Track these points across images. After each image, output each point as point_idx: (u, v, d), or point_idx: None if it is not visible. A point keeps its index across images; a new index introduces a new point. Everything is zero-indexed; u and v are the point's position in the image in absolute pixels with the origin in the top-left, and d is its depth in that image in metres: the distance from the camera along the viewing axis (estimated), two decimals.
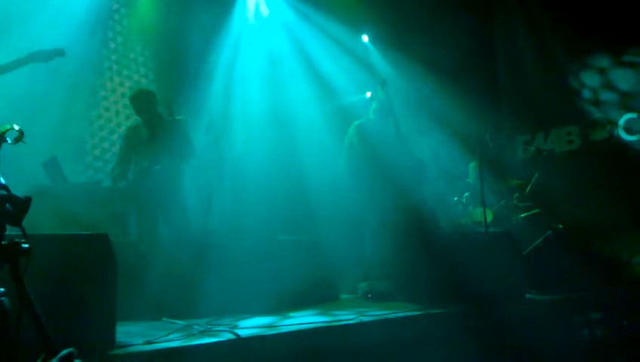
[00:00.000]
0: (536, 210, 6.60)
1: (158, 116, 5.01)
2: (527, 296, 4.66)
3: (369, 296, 4.64)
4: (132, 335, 3.03)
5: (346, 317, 3.69)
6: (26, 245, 1.68)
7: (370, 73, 7.92)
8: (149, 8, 6.95)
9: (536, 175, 6.73)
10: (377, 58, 8.26)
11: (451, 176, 7.25)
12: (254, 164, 6.51)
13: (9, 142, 1.86)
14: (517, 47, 8.45)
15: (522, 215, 6.59)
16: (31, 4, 5.45)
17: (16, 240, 1.74)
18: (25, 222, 1.77)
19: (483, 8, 8.67)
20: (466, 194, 6.90)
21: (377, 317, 3.68)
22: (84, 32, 5.92)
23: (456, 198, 6.89)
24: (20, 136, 1.90)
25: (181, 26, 7.17)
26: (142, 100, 4.95)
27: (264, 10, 7.65)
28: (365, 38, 8.33)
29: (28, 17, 5.38)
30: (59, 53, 3.32)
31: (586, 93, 7.71)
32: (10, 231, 1.77)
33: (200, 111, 6.18)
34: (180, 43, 7.27)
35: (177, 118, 4.93)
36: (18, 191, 1.81)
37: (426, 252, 4.29)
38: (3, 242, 1.67)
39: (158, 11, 6.99)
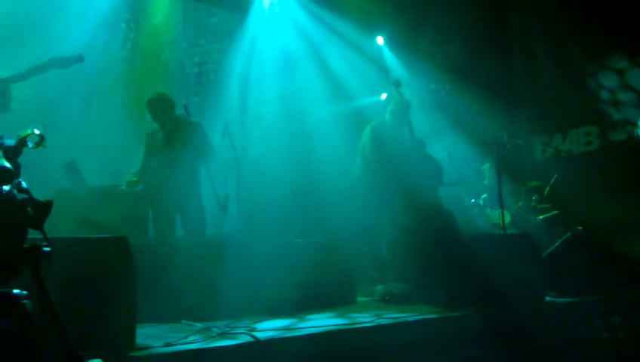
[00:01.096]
0: (555, 212, 6.53)
1: (174, 120, 5.04)
2: (546, 298, 4.61)
3: (386, 298, 4.62)
4: (151, 337, 3.05)
5: (364, 319, 3.68)
6: (48, 248, 1.69)
7: (384, 75, 7.91)
8: (166, 11, 7.00)
9: (555, 176, 6.66)
10: (392, 60, 8.24)
11: (468, 177, 7.20)
12: (270, 166, 6.53)
13: (30, 146, 1.88)
14: (533, 47, 8.38)
15: (541, 217, 6.53)
16: (49, 12, 5.51)
17: (38, 243, 1.76)
18: (45, 225, 1.78)
19: (498, 9, 8.60)
20: (484, 196, 6.85)
21: (395, 320, 3.67)
22: (102, 35, 5.99)
23: (473, 200, 6.85)
24: (40, 141, 1.92)
25: (197, 29, 7.22)
26: (157, 105, 4.99)
27: (278, 13, 7.67)
28: (380, 40, 8.31)
29: (45, 24, 5.45)
30: (78, 59, 3.34)
31: (604, 94, 7.62)
32: (32, 234, 1.80)
33: (216, 114, 6.21)
34: (195, 46, 7.32)
35: (193, 119, 4.97)
36: (39, 194, 1.82)
37: (444, 254, 4.26)
38: (25, 245, 1.69)
39: (174, 14, 7.04)
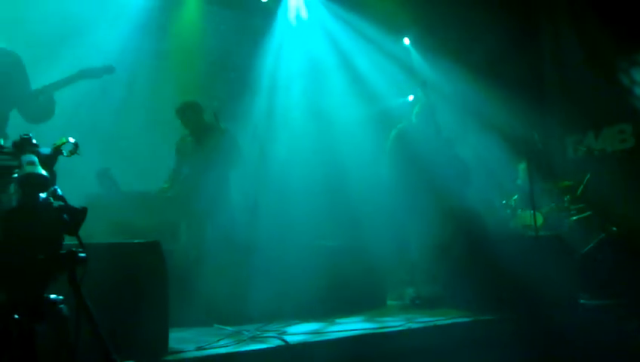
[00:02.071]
0: (589, 213, 6.39)
1: (204, 126, 5.12)
2: (581, 301, 4.53)
3: (416, 302, 4.59)
4: (184, 341, 3.10)
5: (394, 323, 3.67)
6: (83, 254, 1.73)
7: (411, 76, 7.87)
8: (196, 17, 7.10)
9: (588, 175, 6.52)
10: (419, 61, 8.20)
11: (498, 178, 7.10)
12: (298, 169, 6.55)
13: (65, 154, 1.92)
14: (563, 44, 8.23)
15: (574, 217, 6.41)
16: (82, 20, 5.63)
17: (74, 249, 1.80)
18: (80, 231, 1.82)
19: (527, 6, 8.48)
20: (515, 196, 6.75)
21: (425, 324, 3.65)
22: (134, 42, 6.09)
23: (504, 201, 6.76)
24: (75, 149, 1.95)
25: (225, 34, 7.29)
26: (187, 112, 5.10)
27: (305, 17, 7.70)
28: (406, 40, 8.28)
29: (79, 32, 5.57)
30: (108, 69, 3.42)
31: (638, 90, 7.43)
32: (68, 240, 1.84)
33: (245, 119, 6.26)
34: (224, 51, 7.40)
35: (222, 125, 5.04)
36: (74, 201, 1.87)
37: (474, 257, 4.22)
38: (61, 251, 1.72)
39: (203, 21, 7.13)
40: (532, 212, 5.22)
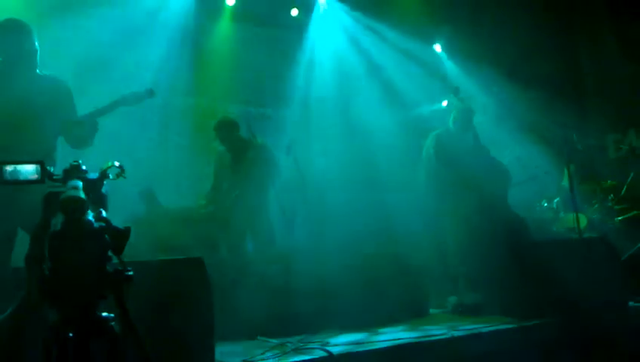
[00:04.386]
0: (634, 212, 6.23)
1: (240, 141, 5.22)
2: (630, 303, 4.40)
3: (459, 310, 4.55)
4: (229, 354, 3.16)
5: (437, 332, 3.65)
6: (130, 272, 1.77)
7: (443, 82, 7.82)
8: (229, 33, 7.24)
9: (632, 175, 6.36)
10: (451, 66, 8.15)
11: (539, 181, 6.97)
12: (334, 180, 6.58)
13: (111, 177, 1.99)
14: (600, 40, 8.06)
15: (619, 218, 6.25)
16: (119, 44, 5.82)
17: (120, 268, 1.86)
18: (126, 250, 1.88)
19: (562, 5, 8.34)
20: (557, 199, 6.62)
21: (469, 332, 3.62)
22: (170, 62, 6.25)
23: (546, 204, 6.63)
24: (120, 172, 2.02)
25: (258, 49, 7.42)
26: (223, 129, 5.22)
27: (335, 29, 7.76)
28: (438, 47, 8.25)
29: (117, 57, 5.75)
30: (149, 93, 3.49)
31: None
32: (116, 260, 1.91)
33: (280, 133, 6.34)
34: (257, 66, 7.52)
35: (259, 140, 5.13)
36: (118, 221, 1.94)
37: (517, 262, 4.16)
38: (109, 270, 1.77)
39: (236, 38, 7.27)
40: (575, 214, 5.12)
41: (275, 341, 3.51)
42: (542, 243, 4.89)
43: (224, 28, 7.23)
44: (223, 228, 4.98)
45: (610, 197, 6.37)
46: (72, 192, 1.66)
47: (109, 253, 1.73)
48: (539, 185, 6.84)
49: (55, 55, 4.14)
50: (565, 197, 6.30)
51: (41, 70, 3.36)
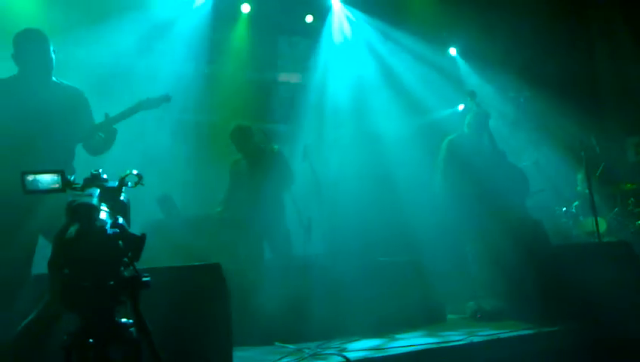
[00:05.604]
0: None
1: (256, 148, 5.25)
2: None
3: (478, 315, 4.51)
4: (247, 360, 3.17)
5: (456, 337, 3.62)
6: (147, 278, 1.78)
7: (459, 86, 7.80)
8: (245, 41, 7.30)
9: None
10: (467, 70, 8.12)
11: (557, 185, 6.91)
12: (350, 186, 6.58)
13: (130, 185, 2.01)
14: (618, 44, 7.96)
15: (639, 221, 6.15)
16: (136, 52, 5.90)
17: (136, 274, 1.87)
18: (144, 256, 1.89)
19: (576, 8, 8.27)
20: (576, 203, 6.55)
21: (488, 338, 3.58)
22: (186, 68, 6.32)
23: (564, 209, 6.56)
24: (139, 180, 2.04)
25: (273, 55, 7.47)
26: (239, 136, 5.25)
27: (349, 35, 7.78)
28: (453, 51, 8.22)
29: (134, 64, 5.83)
30: (165, 99, 3.53)
31: None
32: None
33: (295, 139, 6.37)
34: (272, 72, 7.57)
35: (274, 147, 5.15)
36: (137, 228, 1.95)
37: (536, 267, 4.12)
38: (125, 275, 1.77)
39: (252, 44, 7.32)
40: (594, 218, 5.06)
41: (292, 346, 3.51)
42: (561, 247, 4.83)
43: (240, 34, 7.28)
44: (240, 234, 5.00)
45: (630, 201, 6.28)
46: (85, 199, 1.69)
47: (125, 259, 1.74)
48: (555, 191, 6.78)
49: (73, 65, 4.22)
50: (584, 202, 6.24)
51: (57, 78, 3.42)
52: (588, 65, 8.23)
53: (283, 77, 7.74)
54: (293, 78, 7.75)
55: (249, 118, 6.15)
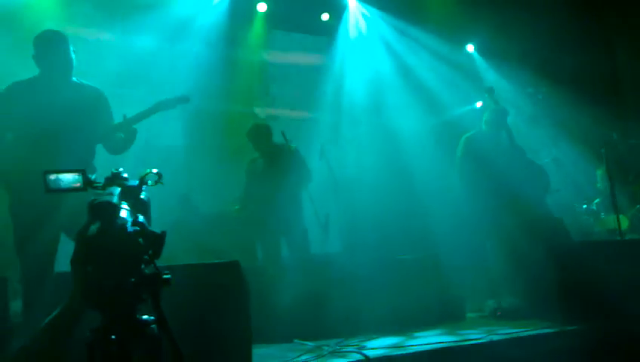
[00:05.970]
0: None
1: (273, 147, 5.26)
2: None
3: (497, 313, 4.47)
4: (267, 357, 3.18)
5: (475, 336, 3.60)
6: (168, 275, 1.79)
7: (477, 83, 7.73)
8: (261, 40, 7.32)
9: None
10: (484, 67, 8.05)
11: (578, 182, 6.82)
12: (368, 183, 6.57)
13: (149, 184, 2.02)
14: (637, 38, 7.83)
15: None
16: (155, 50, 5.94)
17: (157, 271, 1.88)
18: (164, 254, 1.91)
19: (596, 3, 8.16)
20: (597, 200, 6.47)
21: (508, 336, 3.55)
22: (204, 66, 6.35)
23: (585, 206, 6.48)
24: (158, 179, 2.05)
25: (290, 54, 7.48)
26: (256, 135, 5.27)
27: (365, 32, 7.76)
28: (470, 47, 8.15)
29: (154, 63, 5.86)
30: (183, 99, 3.56)
31: None
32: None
33: (312, 137, 6.37)
34: (289, 71, 7.58)
35: (292, 145, 5.16)
36: (158, 226, 1.97)
37: (556, 264, 4.07)
38: (146, 273, 1.78)
39: (268, 42, 7.35)
40: (616, 215, 4.98)
41: (311, 344, 3.52)
42: (582, 244, 4.77)
43: (257, 33, 7.30)
44: (258, 232, 5.03)
45: None
46: (106, 198, 1.70)
47: (146, 257, 1.76)
48: (575, 188, 6.70)
49: (93, 64, 4.26)
50: (605, 199, 6.15)
51: (78, 78, 3.46)
52: (606, 61, 8.11)
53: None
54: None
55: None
